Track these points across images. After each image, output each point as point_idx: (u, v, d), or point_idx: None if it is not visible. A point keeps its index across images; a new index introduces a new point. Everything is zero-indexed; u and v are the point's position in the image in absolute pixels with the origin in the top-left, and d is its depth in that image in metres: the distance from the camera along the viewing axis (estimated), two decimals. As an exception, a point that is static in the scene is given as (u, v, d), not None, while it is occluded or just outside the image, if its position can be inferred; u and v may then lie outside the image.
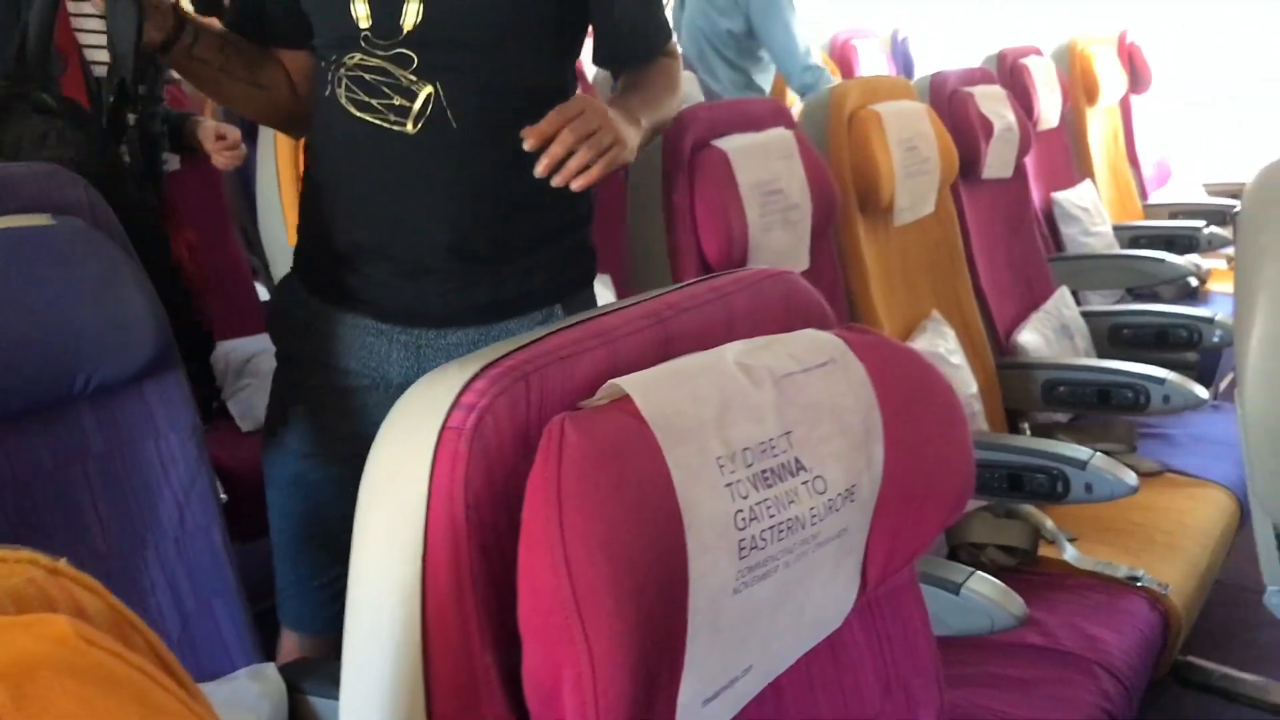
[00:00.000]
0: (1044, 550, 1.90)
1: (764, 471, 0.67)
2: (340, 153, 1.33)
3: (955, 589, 1.51)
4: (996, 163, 2.46)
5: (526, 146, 1.15)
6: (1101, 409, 2.24)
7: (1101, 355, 2.54)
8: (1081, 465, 1.82)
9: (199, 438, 1.10)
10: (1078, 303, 2.78)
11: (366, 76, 1.29)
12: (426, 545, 0.57)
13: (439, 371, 0.61)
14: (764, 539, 0.65)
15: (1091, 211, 3.14)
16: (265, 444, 1.38)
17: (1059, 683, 1.59)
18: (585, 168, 1.14)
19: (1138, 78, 3.69)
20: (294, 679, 1.17)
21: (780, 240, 1.84)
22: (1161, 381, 2.15)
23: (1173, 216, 3.55)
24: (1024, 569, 1.88)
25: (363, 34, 1.28)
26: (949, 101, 2.39)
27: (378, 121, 1.28)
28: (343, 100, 1.29)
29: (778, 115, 1.93)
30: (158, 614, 1.08)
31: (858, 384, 0.76)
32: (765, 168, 1.81)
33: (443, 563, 0.57)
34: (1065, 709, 1.52)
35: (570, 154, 1.14)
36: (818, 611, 0.75)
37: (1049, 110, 3.01)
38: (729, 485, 0.64)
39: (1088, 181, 3.28)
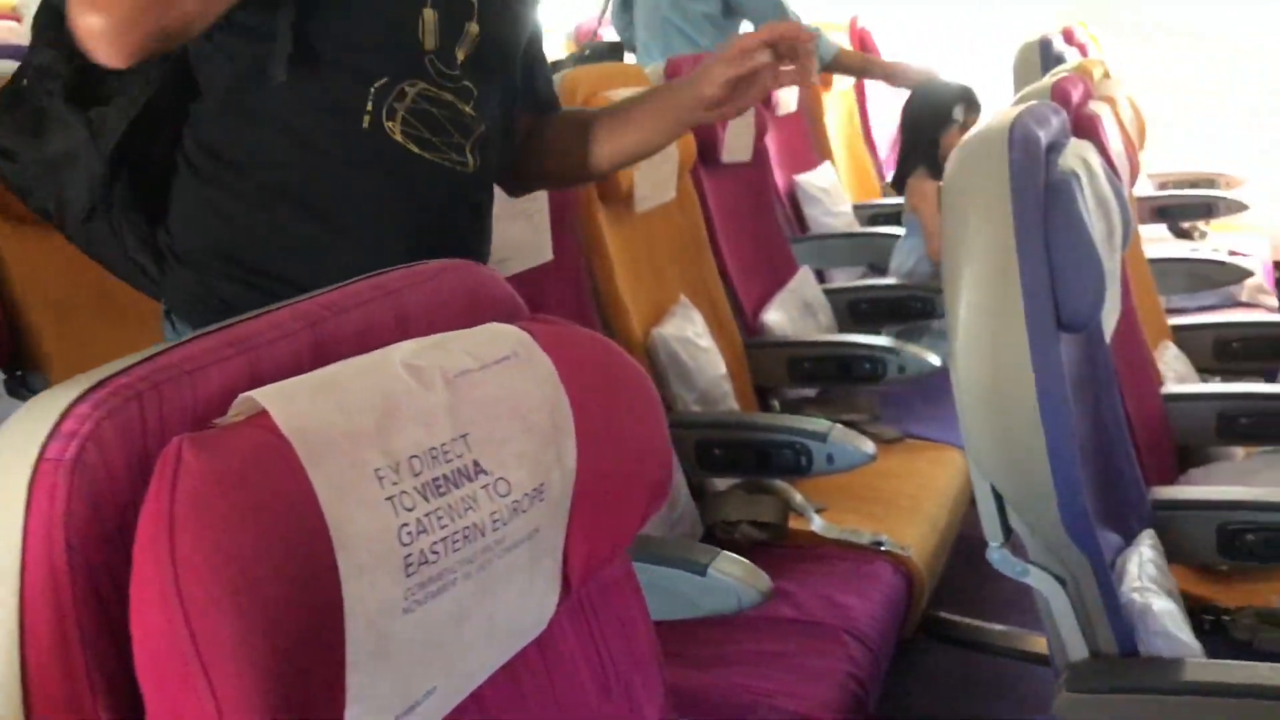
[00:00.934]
0: (794, 523, 1.94)
1: (435, 479, 0.62)
2: (383, 191, 1.15)
3: (702, 570, 1.51)
4: (735, 146, 2.49)
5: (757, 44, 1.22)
6: (843, 381, 2.31)
7: (844, 330, 2.63)
8: (822, 438, 1.86)
9: None
10: (823, 280, 2.87)
11: (434, 112, 1.14)
12: (23, 595, 0.50)
13: (38, 399, 0.54)
14: (436, 552, 0.61)
15: (831, 192, 3.25)
16: None
17: (809, 653, 1.62)
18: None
19: (872, 63, 3.85)
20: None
21: (519, 233, 1.81)
22: (897, 352, 2.25)
23: (909, 194, 3.72)
24: (776, 543, 1.91)
25: (428, 56, 1.13)
26: (684, 87, 2.40)
27: (441, 160, 1.16)
28: (398, 135, 1.13)
29: (507, 104, 1.89)
30: None
31: (544, 377, 0.73)
32: (496, 158, 1.76)
33: (43, 613, 0.50)
34: (814, 678, 1.56)
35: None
36: (514, 620, 0.71)
37: (787, 95, 3.09)
38: (391, 498, 0.59)
39: (827, 164, 3.39)
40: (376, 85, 1.12)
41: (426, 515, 0.61)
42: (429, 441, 0.63)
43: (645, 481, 0.79)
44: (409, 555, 0.59)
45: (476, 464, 0.65)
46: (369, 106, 1.12)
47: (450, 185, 1.19)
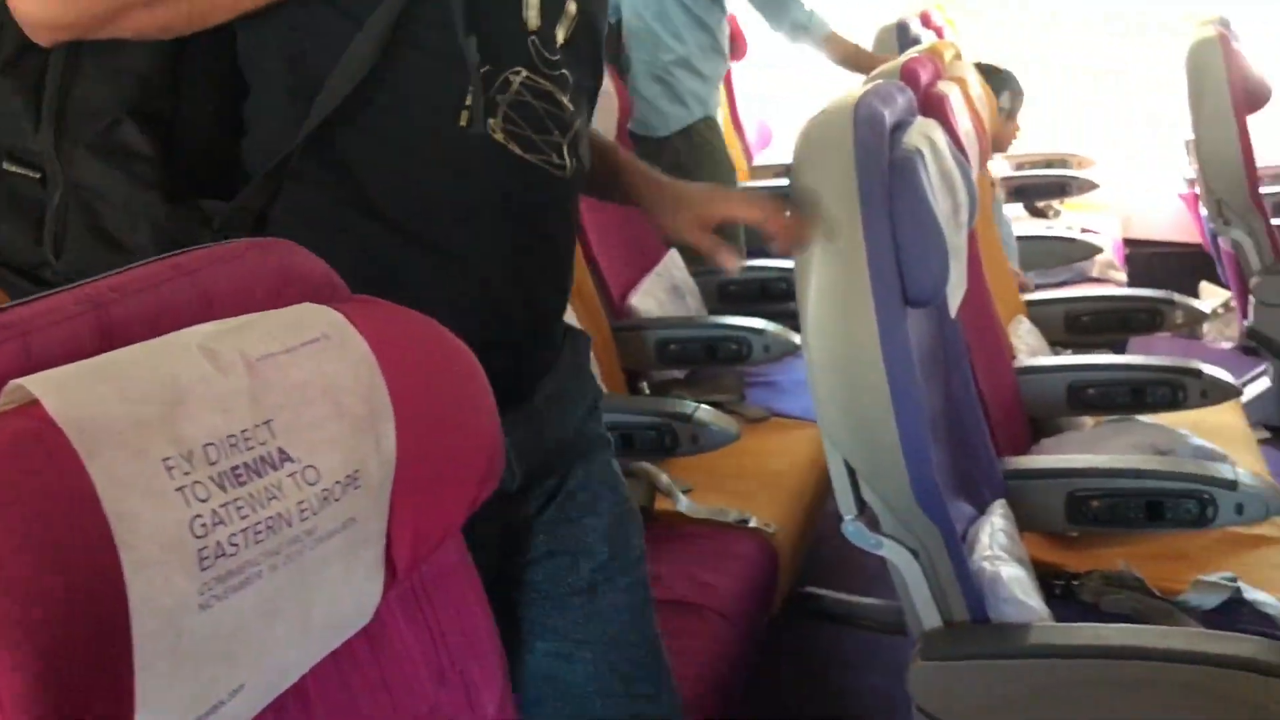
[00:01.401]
0: (661, 504, 1.95)
1: (234, 468, 0.60)
2: (484, 204, 0.99)
3: (563, 556, 1.50)
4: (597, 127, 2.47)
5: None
6: (710, 363, 2.32)
7: (714, 312, 2.64)
8: (686, 419, 1.87)
9: None
10: (696, 263, 2.87)
11: (535, 105, 0.99)
12: None
13: None
14: (235, 544, 0.58)
15: (700, 174, 3.25)
16: None
17: (675, 633, 1.62)
18: None
19: (735, 46, 3.86)
20: None
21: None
22: (761, 332, 2.27)
23: (777, 176, 3.76)
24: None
25: (530, 38, 0.99)
26: (545, 69, 2.38)
27: (541, 163, 1.00)
28: (499, 135, 0.97)
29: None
30: None
31: (358, 360, 0.70)
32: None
33: None
34: (681, 658, 1.55)
35: None
36: (333, 612, 0.68)
37: (652, 77, 3.08)
38: (181, 489, 0.56)
39: (696, 145, 3.39)
40: (477, 75, 0.96)
41: (223, 506, 0.58)
42: (227, 428, 0.60)
43: (475, 465, 0.77)
44: (203, 548, 0.56)
45: (282, 451, 0.63)
46: (467, 100, 0.95)
47: (551, 193, 1.05)
